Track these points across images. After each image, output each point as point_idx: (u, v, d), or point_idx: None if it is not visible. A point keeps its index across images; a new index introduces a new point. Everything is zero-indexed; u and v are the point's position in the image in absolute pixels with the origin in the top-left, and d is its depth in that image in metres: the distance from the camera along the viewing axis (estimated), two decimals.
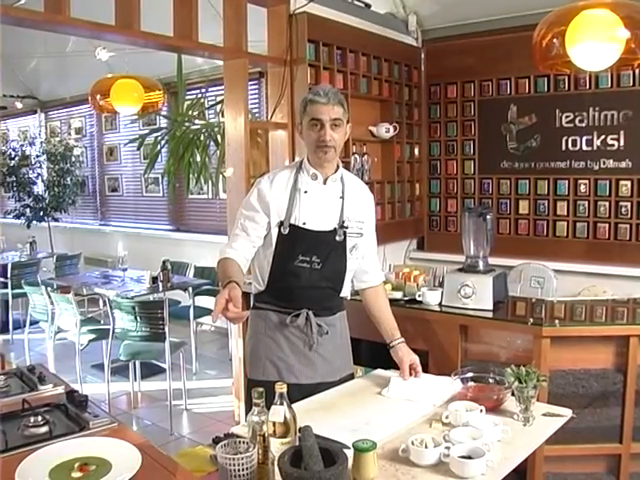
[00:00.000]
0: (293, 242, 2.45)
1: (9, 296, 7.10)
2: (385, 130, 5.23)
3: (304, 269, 2.48)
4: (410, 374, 2.56)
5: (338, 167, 2.57)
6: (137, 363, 5.21)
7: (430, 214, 5.91)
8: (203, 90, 6.84)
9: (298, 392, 2.39)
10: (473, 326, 3.21)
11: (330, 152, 2.45)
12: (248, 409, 2.46)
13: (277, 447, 1.71)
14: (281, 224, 2.47)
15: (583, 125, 4.98)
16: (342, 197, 2.56)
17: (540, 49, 3.17)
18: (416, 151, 5.76)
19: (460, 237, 3.43)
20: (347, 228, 2.54)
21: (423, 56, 5.75)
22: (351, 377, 2.70)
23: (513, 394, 2.22)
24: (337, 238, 2.52)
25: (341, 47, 4.79)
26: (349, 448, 1.80)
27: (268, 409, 1.76)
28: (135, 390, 5.28)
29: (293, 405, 1.81)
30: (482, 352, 3.22)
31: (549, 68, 3.49)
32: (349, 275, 2.62)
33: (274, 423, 1.73)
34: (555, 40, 3.06)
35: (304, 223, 2.47)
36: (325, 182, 2.54)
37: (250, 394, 2.06)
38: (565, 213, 5.14)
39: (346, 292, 2.65)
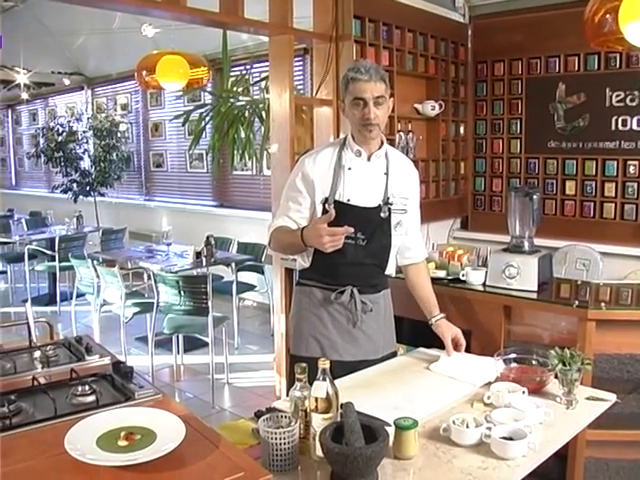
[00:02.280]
0: (337, 218, 2.42)
1: (57, 269, 7.26)
2: (431, 108, 5.18)
3: (349, 245, 2.47)
4: (454, 348, 2.58)
5: (382, 143, 2.56)
6: (180, 336, 5.28)
7: (475, 193, 5.85)
8: (248, 66, 6.83)
9: (341, 369, 2.40)
10: (517, 307, 3.17)
11: (375, 130, 2.45)
12: (290, 384, 2.49)
13: (319, 422, 1.72)
14: (325, 201, 2.48)
15: (634, 104, 4.86)
16: (386, 173, 2.55)
17: (592, 25, 3.08)
18: (462, 129, 5.69)
19: (505, 217, 3.39)
20: (392, 205, 2.53)
21: (470, 33, 5.66)
22: (393, 355, 2.71)
23: (556, 377, 2.19)
24: (382, 215, 2.52)
25: (387, 23, 4.74)
26: (390, 425, 1.81)
27: (311, 385, 1.77)
28: (178, 363, 5.36)
29: (335, 381, 1.82)
30: (525, 333, 3.18)
31: (600, 45, 3.38)
32: (393, 252, 2.62)
33: (316, 398, 1.73)
34: (608, 16, 2.97)
35: (348, 200, 2.48)
36: (369, 159, 2.53)
37: (293, 370, 2.08)
38: (613, 194, 5.04)
39: (391, 269, 2.66)
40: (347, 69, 2.47)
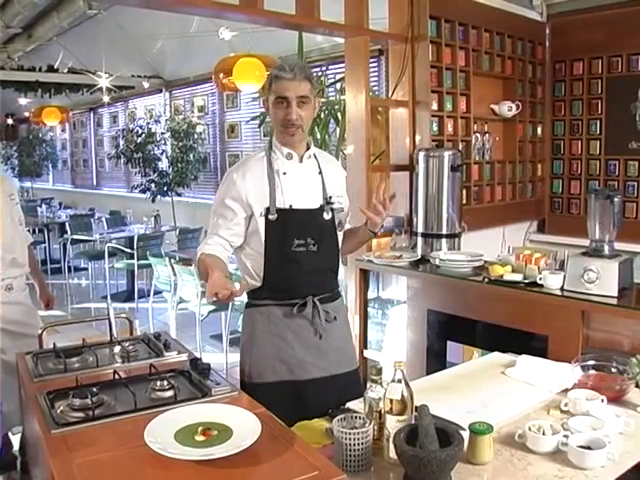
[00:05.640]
0: (284, 227, 2.35)
1: (135, 266, 7.47)
2: (507, 108, 5.09)
3: (302, 253, 2.38)
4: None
5: (309, 145, 2.48)
6: None
7: (552, 195, 5.71)
8: (323, 68, 6.86)
9: (312, 388, 2.38)
10: (596, 312, 3.08)
11: (297, 133, 2.36)
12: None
13: (393, 424, 1.72)
14: (267, 211, 2.37)
15: None
16: (320, 173, 2.48)
17: None
18: (539, 130, 5.57)
19: (583, 220, 3.30)
20: (333, 204, 2.45)
21: (548, 31, 5.52)
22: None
23: (637, 385, 2.13)
24: (325, 216, 2.44)
25: (463, 23, 4.68)
26: (465, 430, 1.79)
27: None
28: None
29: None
30: (604, 340, 3.09)
31: None
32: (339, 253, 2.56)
33: (391, 400, 1.73)
34: None
35: (291, 205, 2.38)
36: (301, 160, 2.45)
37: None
38: None
39: (340, 273, 2.59)
40: (273, 67, 2.41)
